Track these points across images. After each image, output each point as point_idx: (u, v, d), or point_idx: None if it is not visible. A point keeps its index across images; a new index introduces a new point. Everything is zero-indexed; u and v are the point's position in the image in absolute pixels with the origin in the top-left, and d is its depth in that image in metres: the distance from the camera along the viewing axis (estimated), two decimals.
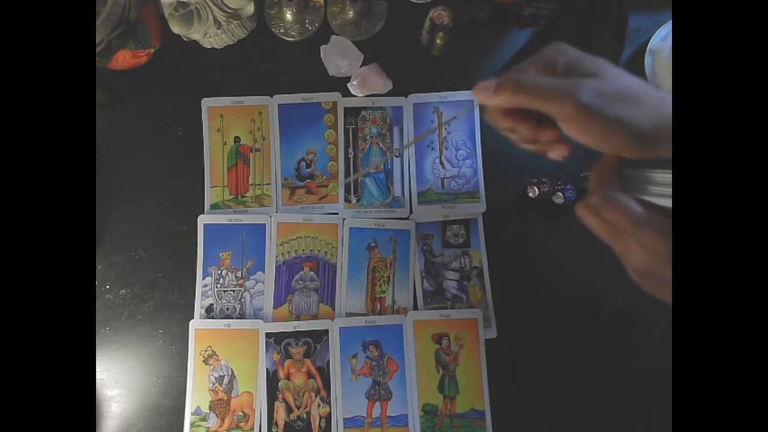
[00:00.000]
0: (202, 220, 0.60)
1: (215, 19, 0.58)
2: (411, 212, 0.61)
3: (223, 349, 0.58)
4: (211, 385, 0.57)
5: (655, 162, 0.31)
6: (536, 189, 0.58)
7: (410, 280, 0.59)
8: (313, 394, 0.57)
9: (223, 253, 0.59)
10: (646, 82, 0.33)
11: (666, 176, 0.30)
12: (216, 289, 0.59)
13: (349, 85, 0.61)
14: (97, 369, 0.58)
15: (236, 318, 0.58)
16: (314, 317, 0.59)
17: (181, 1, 0.57)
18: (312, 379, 0.57)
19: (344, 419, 0.56)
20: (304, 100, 0.62)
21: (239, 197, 0.61)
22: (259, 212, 0.60)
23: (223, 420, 0.56)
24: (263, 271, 0.59)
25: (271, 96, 0.62)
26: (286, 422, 0.56)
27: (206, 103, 0.62)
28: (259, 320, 0.58)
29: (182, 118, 0.62)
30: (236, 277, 0.59)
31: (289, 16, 0.62)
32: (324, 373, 0.57)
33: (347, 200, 0.61)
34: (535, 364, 0.58)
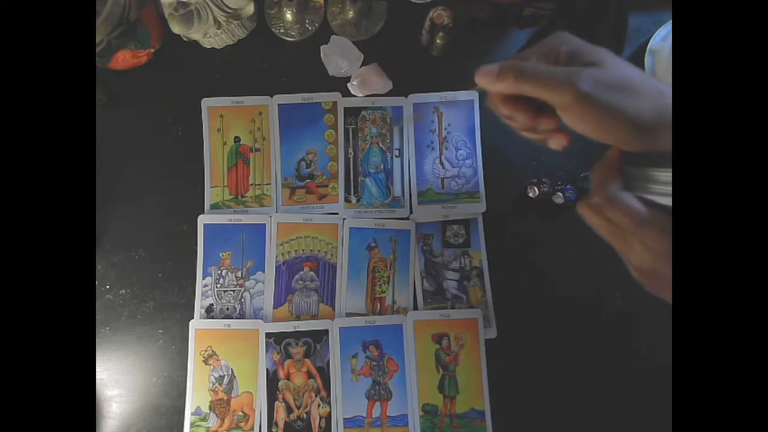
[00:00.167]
0: (202, 220, 0.60)
1: (215, 19, 0.58)
2: (411, 212, 0.61)
3: (223, 349, 0.58)
4: (211, 385, 0.57)
5: (657, 160, 0.31)
6: (536, 189, 0.58)
7: (410, 280, 0.59)
8: (313, 394, 0.57)
9: (223, 253, 0.59)
10: (647, 73, 0.33)
11: (667, 175, 0.30)
12: (216, 289, 0.59)
13: (349, 85, 0.61)
14: (97, 369, 0.58)
15: (236, 318, 0.58)
16: (314, 317, 0.59)
17: (181, 1, 0.57)
18: (312, 379, 0.57)
19: (344, 419, 0.56)
20: (304, 100, 0.62)
21: (239, 197, 0.61)
22: (259, 212, 0.60)
23: (223, 420, 0.56)
24: (263, 271, 0.59)
25: (271, 96, 0.62)
26: (286, 422, 0.56)
27: (206, 103, 0.62)
28: (259, 320, 0.58)
29: (182, 118, 0.62)
30: (236, 277, 0.59)
31: (289, 16, 0.62)
32: (324, 373, 0.57)
33: (347, 200, 0.61)
34: (535, 364, 0.58)
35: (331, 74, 0.62)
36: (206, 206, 0.60)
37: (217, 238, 0.59)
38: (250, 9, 0.59)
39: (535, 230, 0.60)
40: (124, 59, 0.60)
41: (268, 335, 0.58)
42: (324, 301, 0.59)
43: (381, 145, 0.62)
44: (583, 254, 0.59)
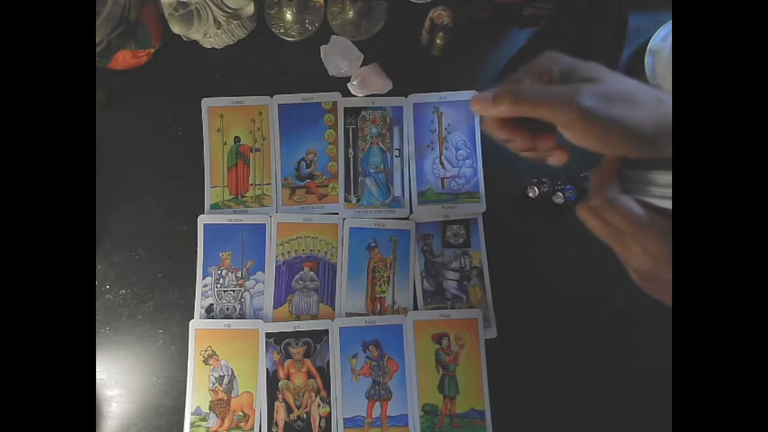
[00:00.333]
0: (202, 220, 0.60)
1: (215, 19, 0.58)
2: (411, 212, 0.61)
3: (223, 349, 0.58)
4: (211, 385, 0.57)
5: (656, 163, 0.31)
6: (536, 189, 0.58)
7: (410, 280, 0.59)
8: (313, 394, 0.57)
9: (223, 253, 0.59)
10: (643, 83, 0.33)
11: (666, 177, 0.30)
12: (216, 289, 0.59)
13: (349, 85, 0.61)
14: (97, 369, 0.58)
15: (236, 318, 0.58)
16: (314, 317, 0.59)
17: (181, 1, 0.57)
18: (312, 379, 0.57)
19: (344, 419, 0.56)
20: (304, 100, 0.62)
21: (239, 197, 0.61)
22: (259, 212, 0.60)
23: (223, 420, 0.56)
24: (263, 271, 0.59)
25: (271, 96, 0.62)
26: (286, 422, 0.56)
27: (206, 103, 0.62)
28: (259, 320, 0.58)
29: (182, 118, 0.62)
30: (236, 277, 0.59)
31: (289, 16, 0.62)
32: (324, 373, 0.57)
33: (347, 200, 0.61)
34: (535, 364, 0.58)
35: (331, 74, 0.62)
36: (206, 206, 0.60)
37: (217, 238, 0.59)
38: (250, 9, 0.59)
39: (535, 230, 0.60)
40: (124, 59, 0.60)
41: (268, 335, 0.58)
42: (324, 301, 0.59)
43: (381, 145, 0.62)
44: (583, 254, 0.59)
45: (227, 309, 0.59)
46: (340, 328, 0.58)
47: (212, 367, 0.57)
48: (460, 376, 0.57)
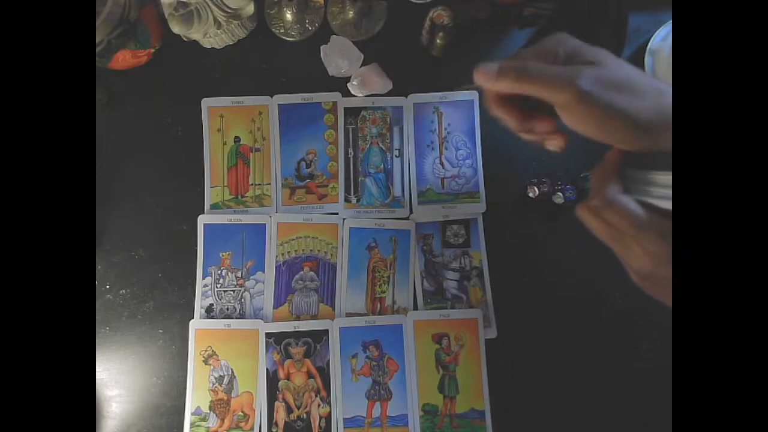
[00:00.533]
0: (202, 220, 0.60)
1: (215, 19, 0.58)
2: (411, 212, 0.61)
3: (223, 349, 0.58)
4: (211, 385, 0.57)
5: (656, 163, 0.31)
6: (536, 189, 0.58)
7: (410, 280, 0.59)
8: (313, 394, 0.57)
9: (223, 253, 0.59)
10: (646, 72, 0.33)
11: (666, 178, 0.30)
12: (216, 289, 0.59)
13: (349, 85, 0.61)
14: (97, 369, 0.58)
15: (236, 318, 0.58)
16: (314, 317, 0.59)
17: (181, 1, 0.57)
18: (312, 379, 0.57)
19: (344, 419, 0.56)
20: (304, 100, 0.62)
21: (239, 197, 0.61)
22: (259, 212, 0.60)
23: (223, 420, 0.56)
24: (263, 271, 0.59)
25: (271, 96, 0.62)
26: (286, 422, 0.56)
27: (206, 103, 0.62)
28: (259, 320, 0.58)
29: (182, 118, 0.62)
30: (236, 277, 0.59)
31: (289, 16, 0.62)
32: (324, 373, 0.57)
33: (347, 200, 0.61)
34: (535, 364, 0.58)
35: (331, 74, 0.62)
36: (206, 206, 0.60)
37: (217, 238, 0.59)
38: (250, 9, 0.59)
39: (535, 230, 0.60)
40: (124, 59, 0.60)
41: (268, 335, 0.58)
42: (324, 301, 0.59)
43: (381, 145, 0.62)
44: (583, 254, 0.59)
45: (227, 309, 0.59)
46: (340, 328, 0.58)
47: (212, 367, 0.57)
48: (460, 376, 0.57)
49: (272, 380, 0.57)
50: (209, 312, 0.59)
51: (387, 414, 0.56)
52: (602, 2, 0.60)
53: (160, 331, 0.59)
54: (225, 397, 0.57)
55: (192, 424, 0.56)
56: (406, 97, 0.62)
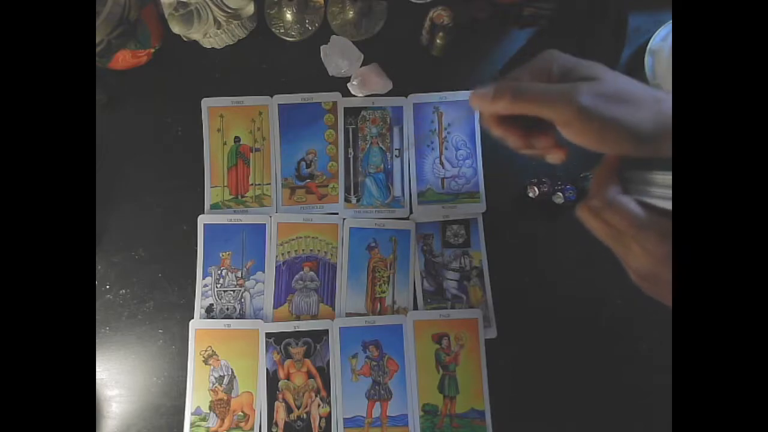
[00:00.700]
0: (202, 220, 0.60)
1: (215, 19, 0.58)
2: (411, 212, 0.61)
3: (223, 349, 0.58)
4: (211, 385, 0.57)
5: (656, 163, 0.31)
6: (536, 189, 0.58)
7: (410, 280, 0.59)
8: (313, 394, 0.57)
9: (223, 253, 0.59)
10: (642, 82, 0.33)
11: (666, 178, 0.30)
12: (216, 289, 0.59)
13: (349, 85, 0.61)
14: (97, 369, 0.58)
15: (236, 318, 0.58)
16: (314, 317, 0.59)
17: (181, 1, 0.57)
18: (312, 379, 0.57)
19: (344, 419, 0.56)
20: (304, 100, 0.62)
21: (239, 197, 0.61)
22: (259, 212, 0.60)
23: (223, 420, 0.56)
24: (263, 271, 0.59)
25: (271, 96, 0.62)
26: (286, 422, 0.56)
27: (206, 103, 0.62)
28: (259, 320, 0.58)
29: (182, 118, 0.62)
30: (236, 277, 0.59)
31: (289, 16, 0.62)
32: (324, 373, 0.57)
33: (347, 200, 0.61)
34: (535, 364, 0.58)
35: (331, 74, 0.62)
36: (206, 206, 0.60)
37: (217, 238, 0.59)
38: (250, 9, 0.59)
39: (535, 230, 0.60)
40: (124, 59, 0.60)
41: (268, 335, 0.58)
42: (324, 301, 0.59)
43: (381, 145, 0.62)
44: (583, 254, 0.59)
45: (227, 309, 0.59)
46: (340, 328, 0.58)
47: (212, 367, 0.57)
48: (460, 376, 0.57)
49: (272, 380, 0.57)
50: (209, 312, 0.59)
51: (387, 414, 0.56)
52: (602, 2, 0.60)
53: (160, 331, 0.59)
54: (225, 397, 0.57)
55: (192, 424, 0.56)
56: (406, 97, 0.62)
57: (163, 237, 0.60)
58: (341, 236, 0.60)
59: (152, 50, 0.61)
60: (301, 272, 0.59)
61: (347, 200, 0.61)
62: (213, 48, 0.62)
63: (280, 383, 0.57)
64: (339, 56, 0.61)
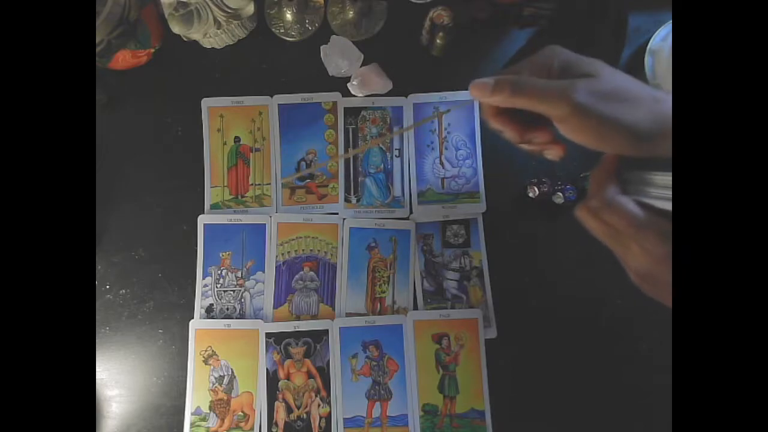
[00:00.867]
0: (202, 220, 0.60)
1: (215, 19, 0.58)
2: (411, 212, 0.61)
3: (223, 349, 0.58)
4: (211, 385, 0.57)
5: (655, 164, 0.31)
6: (536, 189, 0.58)
7: (410, 280, 0.59)
8: (313, 394, 0.57)
9: (223, 253, 0.59)
10: (641, 81, 0.33)
11: (666, 178, 0.30)
12: (216, 289, 0.59)
13: (349, 85, 0.61)
14: (97, 369, 0.58)
15: (236, 318, 0.58)
16: (314, 317, 0.59)
17: (181, 1, 0.57)
18: (312, 379, 0.57)
19: (344, 419, 0.56)
20: (304, 100, 0.62)
21: (239, 197, 0.61)
22: (259, 212, 0.60)
23: (223, 420, 0.56)
24: (263, 271, 0.59)
25: (271, 96, 0.62)
26: (286, 422, 0.56)
27: (206, 103, 0.62)
28: (259, 320, 0.58)
29: (182, 118, 0.62)
30: (236, 277, 0.59)
31: (289, 16, 0.62)
32: (324, 373, 0.57)
33: (347, 200, 0.61)
34: (535, 364, 0.58)
35: (331, 74, 0.62)
36: (206, 206, 0.60)
37: (217, 238, 0.59)
38: (250, 9, 0.59)
39: (535, 230, 0.60)
40: (124, 59, 0.60)
41: (268, 335, 0.58)
42: (324, 301, 0.59)
43: (381, 145, 0.62)
44: (583, 254, 0.59)
45: (227, 309, 0.59)
46: (340, 328, 0.58)
47: (212, 367, 0.57)
48: (460, 376, 0.57)
49: (272, 380, 0.57)
50: (209, 312, 0.59)
51: (387, 414, 0.56)
52: (602, 2, 0.60)
53: (160, 331, 0.59)
54: (225, 397, 0.57)
55: (192, 424, 0.56)
56: (406, 97, 0.62)
57: (163, 237, 0.60)
58: (341, 236, 0.60)
59: (152, 50, 0.61)
60: (301, 272, 0.59)
61: (347, 200, 0.61)
62: (213, 48, 0.62)
63: (280, 383, 0.57)
64: (339, 56, 0.61)
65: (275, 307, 0.59)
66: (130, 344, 0.58)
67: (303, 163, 0.61)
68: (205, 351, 0.57)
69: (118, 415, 0.57)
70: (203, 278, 0.59)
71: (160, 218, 0.60)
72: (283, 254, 0.60)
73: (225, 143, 0.61)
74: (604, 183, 0.33)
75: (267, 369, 0.57)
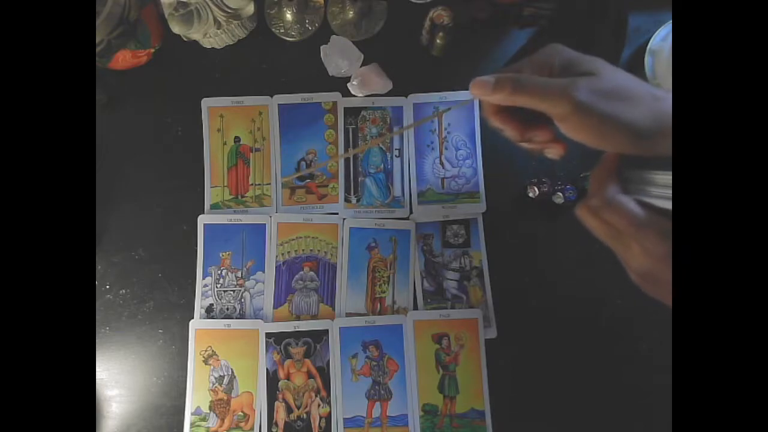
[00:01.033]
0: (202, 220, 0.60)
1: (215, 19, 0.58)
2: (411, 212, 0.61)
3: (223, 349, 0.58)
4: (211, 385, 0.57)
5: (655, 163, 0.31)
6: (536, 189, 0.58)
7: (410, 280, 0.59)
8: (313, 394, 0.57)
9: (223, 253, 0.59)
10: (642, 79, 0.33)
11: (666, 177, 0.30)
12: (216, 289, 0.59)
13: (349, 85, 0.61)
14: (97, 369, 0.58)
15: (236, 318, 0.58)
16: (314, 317, 0.59)
17: (181, 1, 0.57)
18: (312, 379, 0.57)
19: (344, 419, 0.56)
20: (304, 100, 0.62)
21: (239, 197, 0.61)
22: (259, 212, 0.60)
23: (223, 420, 0.56)
24: (263, 271, 0.59)
25: (271, 96, 0.62)
26: (286, 422, 0.56)
27: (206, 103, 0.62)
28: (259, 320, 0.58)
29: (182, 118, 0.62)
30: (236, 277, 0.59)
31: (289, 16, 0.62)
32: (324, 373, 0.57)
33: (347, 200, 0.61)
34: (535, 364, 0.58)
35: (331, 74, 0.62)
36: (206, 206, 0.60)
37: (217, 238, 0.59)
38: (250, 9, 0.59)
39: (535, 230, 0.60)
40: (124, 59, 0.60)
41: (268, 335, 0.58)
42: (324, 301, 0.59)
43: (381, 145, 0.62)
44: (583, 254, 0.59)
45: (227, 309, 0.59)
46: (340, 328, 0.58)
47: (212, 367, 0.57)
48: (460, 376, 0.57)
49: (272, 380, 0.57)
50: (209, 312, 0.59)
51: (387, 414, 0.56)
52: (602, 2, 0.60)
53: (160, 331, 0.59)
54: (225, 397, 0.57)
55: (192, 424, 0.56)
56: (406, 97, 0.62)
57: (163, 237, 0.60)
58: (341, 236, 0.60)
59: (152, 50, 0.61)
60: (301, 272, 0.59)
61: (347, 200, 0.61)
62: (213, 48, 0.62)
63: (280, 383, 0.57)
64: (339, 56, 0.61)
65: (275, 307, 0.59)
66: (130, 344, 0.58)
67: (303, 163, 0.61)
68: (205, 351, 0.57)
69: (118, 415, 0.57)
70: (203, 278, 0.59)
71: (160, 218, 0.60)
72: (283, 254, 0.60)
73: (225, 143, 0.61)
74: (604, 182, 0.33)
75: (267, 369, 0.57)
